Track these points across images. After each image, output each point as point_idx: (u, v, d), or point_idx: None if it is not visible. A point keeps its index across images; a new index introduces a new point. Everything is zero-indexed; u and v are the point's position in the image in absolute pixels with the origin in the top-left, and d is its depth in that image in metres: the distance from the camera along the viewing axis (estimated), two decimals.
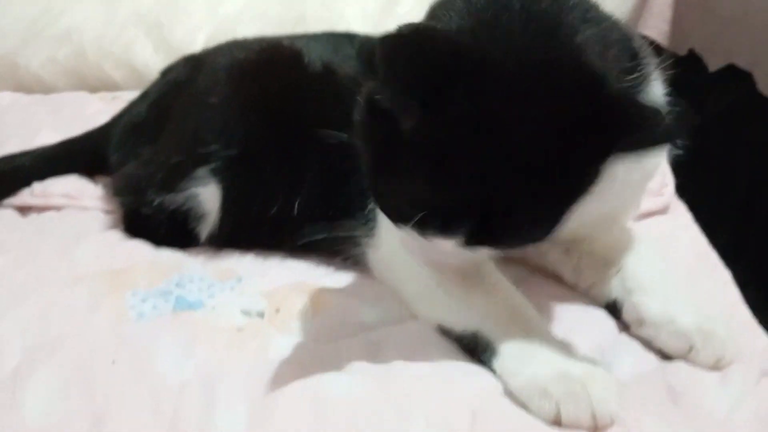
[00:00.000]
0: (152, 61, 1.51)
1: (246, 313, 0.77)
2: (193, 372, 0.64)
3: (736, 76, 1.84)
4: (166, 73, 1.05)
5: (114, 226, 0.97)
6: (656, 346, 0.69)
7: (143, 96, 1.06)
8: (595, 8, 0.64)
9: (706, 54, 1.94)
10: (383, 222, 0.76)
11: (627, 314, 0.73)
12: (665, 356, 0.68)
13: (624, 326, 0.73)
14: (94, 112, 1.34)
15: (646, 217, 0.95)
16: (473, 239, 0.58)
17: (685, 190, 1.09)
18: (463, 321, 0.69)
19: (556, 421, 0.58)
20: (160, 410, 0.59)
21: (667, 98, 0.69)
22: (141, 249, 0.91)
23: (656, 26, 2.11)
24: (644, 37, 0.73)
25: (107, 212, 1.01)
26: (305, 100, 0.90)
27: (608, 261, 0.78)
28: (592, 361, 0.63)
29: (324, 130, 0.72)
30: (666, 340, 0.68)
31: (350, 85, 0.83)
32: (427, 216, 0.57)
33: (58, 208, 1.01)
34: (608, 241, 0.80)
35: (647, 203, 0.95)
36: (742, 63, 1.81)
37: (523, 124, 0.54)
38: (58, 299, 0.76)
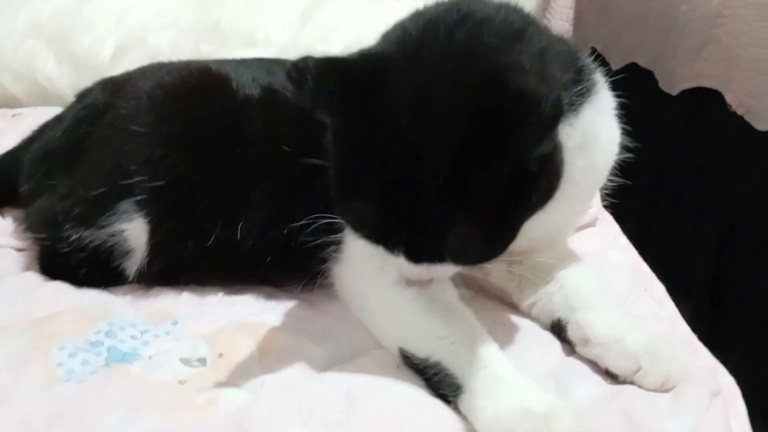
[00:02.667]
0: (56, 75, 1.42)
1: (186, 362, 0.72)
2: None
3: (638, 75, 1.92)
4: (82, 97, 0.98)
5: (29, 267, 0.89)
6: (603, 365, 0.70)
7: (57, 120, 0.98)
8: (531, 29, 0.66)
9: (607, 53, 2.02)
10: (350, 236, 0.75)
11: (572, 333, 0.74)
12: (612, 376, 0.69)
13: (570, 348, 0.74)
14: None
15: (577, 231, 0.97)
16: (415, 257, 0.61)
17: None
18: (426, 348, 0.69)
19: None
20: None
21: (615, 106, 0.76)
22: (63, 292, 0.84)
23: (558, 26, 2.17)
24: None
25: (20, 250, 0.93)
26: (238, 123, 0.86)
27: (549, 278, 0.79)
28: (551, 395, 0.62)
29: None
30: (614, 360, 0.69)
31: (294, 105, 0.82)
32: (368, 231, 0.63)
33: None
34: (550, 256, 0.81)
35: None
36: (642, 62, 1.89)
37: (435, 136, 0.58)
38: None
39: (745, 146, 1.53)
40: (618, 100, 0.78)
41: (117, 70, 1.41)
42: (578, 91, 0.69)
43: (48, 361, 0.70)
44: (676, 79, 1.83)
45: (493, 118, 0.56)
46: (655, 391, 0.66)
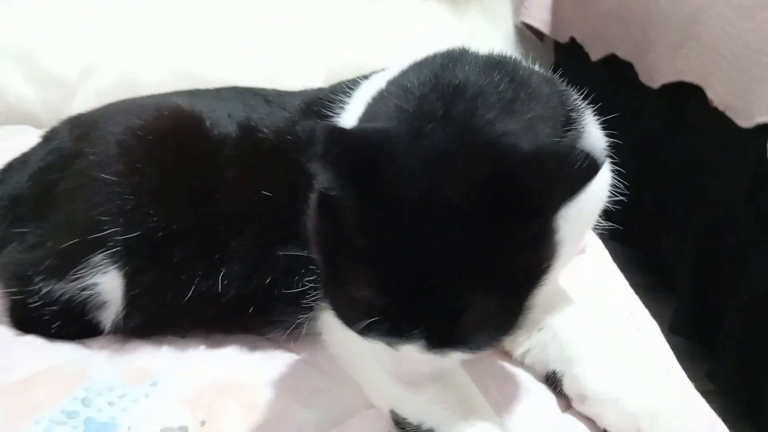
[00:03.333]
0: (25, 93, 1.38)
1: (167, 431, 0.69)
2: None
3: (618, 66, 1.90)
4: (49, 139, 0.92)
5: None
6: (601, 425, 0.69)
7: (22, 164, 0.92)
8: (522, 93, 0.63)
9: (587, 44, 1.99)
10: None
11: (568, 388, 0.72)
12: None
13: (566, 402, 0.72)
14: None
15: None
16: (436, 342, 0.56)
17: None
18: (419, 413, 0.66)
19: None
20: None
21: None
22: (36, 349, 0.80)
23: (537, 15, 2.14)
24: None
25: None
26: (214, 168, 0.82)
27: (543, 324, 0.76)
28: None
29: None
30: (612, 421, 0.68)
31: (278, 141, 0.78)
32: (376, 322, 0.56)
33: None
34: (542, 300, 0.78)
35: None
36: (622, 55, 1.87)
37: (446, 216, 0.54)
38: None
39: (727, 141, 1.53)
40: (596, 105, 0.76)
41: (86, 87, 1.38)
42: (571, 135, 0.67)
43: None
44: (656, 73, 1.81)
45: (509, 181, 0.53)
46: None
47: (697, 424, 0.68)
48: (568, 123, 0.68)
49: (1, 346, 0.80)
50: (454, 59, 0.66)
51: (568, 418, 0.70)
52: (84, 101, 1.36)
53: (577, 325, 0.76)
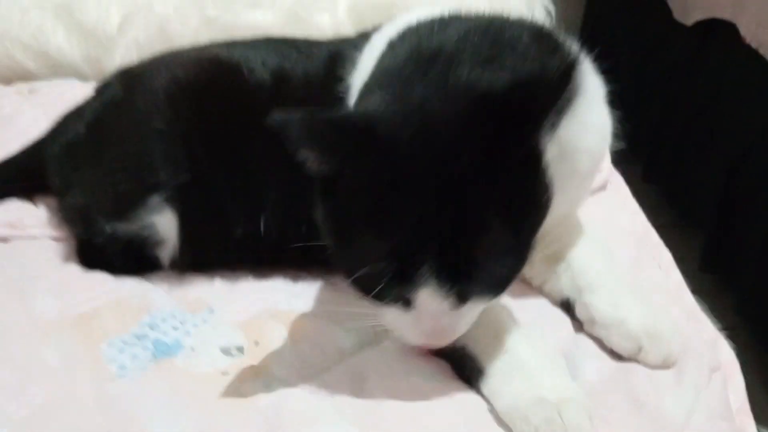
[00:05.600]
0: (66, 46, 1.43)
1: (226, 351, 0.78)
2: None
3: (652, 3, 1.88)
4: (102, 90, 1.00)
5: (68, 258, 0.95)
6: (608, 345, 0.76)
7: (78, 113, 1.00)
8: (506, 52, 0.68)
9: None
10: None
11: (579, 313, 0.79)
12: (617, 355, 0.75)
13: (579, 325, 0.79)
14: (13, 112, 1.27)
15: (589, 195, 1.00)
16: (447, 277, 0.61)
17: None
18: None
19: None
20: None
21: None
22: (102, 283, 0.89)
23: None
24: None
25: (57, 239, 0.98)
26: (252, 114, 0.88)
27: (558, 256, 0.83)
28: (566, 382, 0.68)
29: None
30: (617, 341, 0.74)
31: (307, 89, 0.84)
32: (386, 275, 0.61)
33: (1, 240, 0.98)
34: (558, 234, 0.85)
35: None
36: None
37: (436, 156, 0.60)
38: (28, 359, 0.75)
39: (755, 78, 1.54)
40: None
41: (126, 39, 1.44)
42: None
43: (98, 357, 0.76)
44: (690, 8, 1.81)
45: (493, 111, 0.60)
46: (656, 368, 0.72)
47: (701, 343, 0.75)
48: (562, 78, 0.68)
49: (70, 281, 0.89)
50: (441, 24, 0.72)
51: (581, 338, 0.77)
52: (125, 53, 1.42)
53: (589, 257, 0.82)
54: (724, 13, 1.66)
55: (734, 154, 1.61)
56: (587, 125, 0.75)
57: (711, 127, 1.75)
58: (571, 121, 0.71)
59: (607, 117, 0.82)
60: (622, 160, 1.06)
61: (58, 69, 1.44)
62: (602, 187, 1.04)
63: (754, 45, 1.53)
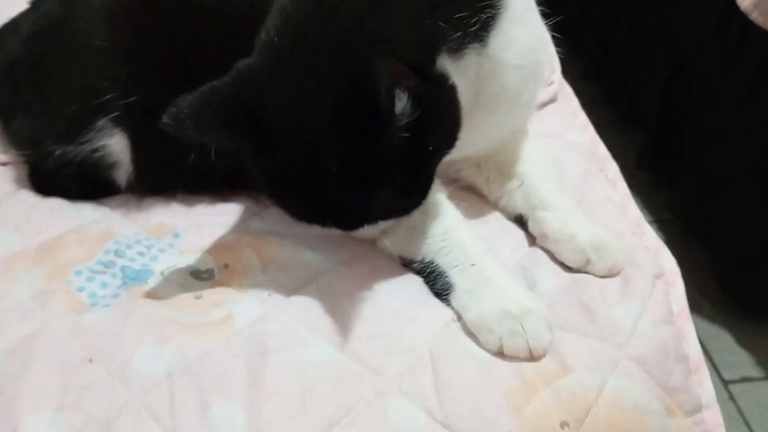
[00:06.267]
0: None
1: (196, 275, 0.80)
2: (172, 362, 0.68)
3: None
4: (36, 5, 0.94)
5: (18, 183, 0.92)
6: (559, 258, 0.81)
7: (13, 29, 0.95)
8: None
9: None
10: None
11: (532, 229, 0.84)
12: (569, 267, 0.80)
13: (533, 239, 0.84)
14: None
15: (538, 109, 1.03)
16: (347, 227, 0.74)
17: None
18: (422, 251, 0.77)
19: (500, 353, 0.70)
20: (159, 414, 0.64)
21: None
22: (59, 210, 0.88)
23: None
24: None
25: (3, 164, 0.95)
26: (196, 30, 0.86)
27: (511, 173, 0.87)
28: (527, 294, 0.73)
29: None
30: (567, 255, 0.80)
31: (248, 6, 0.82)
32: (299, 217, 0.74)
33: None
34: (510, 151, 0.88)
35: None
36: None
37: (316, 140, 0.66)
38: None
39: None
40: None
41: None
42: (482, 19, 0.71)
43: (68, 288, 0.77)
44: None
45: (352, 98, 0.64)
46: (604, 277, 0.78)
47: (645, 252, 0.81)
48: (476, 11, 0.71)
49: (25, 210, 0.88)
50: None
51: (535, 252, 0.83)
52: None
53: (540, 175, 0.86)
54: None
55: (676, 52, 1.66)
56: (514, 41, 0.76)
57: (654, 26, 1.78)
58: (497, 38, 0.73)
59: (540, 31, 0.83)
60: (562, 59, 1.09)
61: None
62: (552, 100, 1.06)
63: None
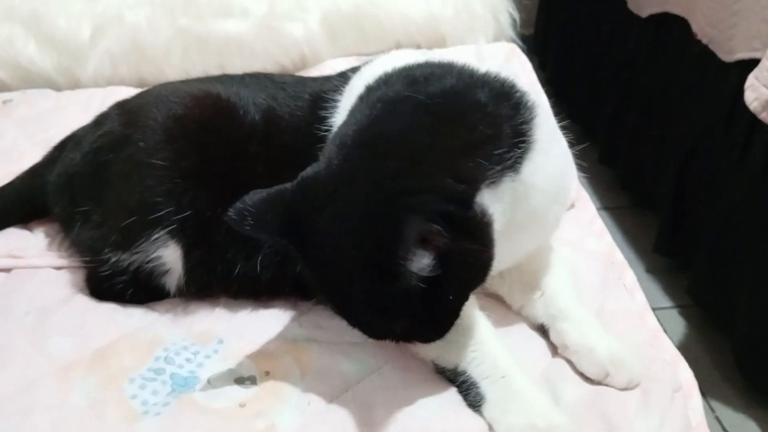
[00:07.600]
0: (38, 57, 1.45)
1: (240, 382, 0.85)
2: None
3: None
4: (100, 122, 1.03)
5: (73, 289, 0.99)
6: (579, 370, 0.85)
7: (75, 144, 1.04)
8: (453, 120, 0.78)
9: None
10: None
11: (554, 339, 0.89)
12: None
13: (554, 348, 0.89)
14: None
15: None
16: (373, 336, 0.80)
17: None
18: (454, 360, 0.82)
19: None
20: None
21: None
22: (111, 316, 0.94)
23: None
24: None
25: (58, 268, 1.02)
26: (247, 155, 0.94)
27: (533, 284, 0.93)
28: (553, 408, 0.78)
29: None
30: (587, 367, 0.84)
31: (294, 131, 0.91)
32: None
33: (3, 271, 1.01)
34: (532, 264, 0.94)
35: None
36: None
37: (350, 266, 0.73)
38: (57, 405, 0.80)
39: (708, 72, 1.63)
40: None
41: (98, 49, 1.45)
42: (517, 153, 0.79)
43: (122, 397, 0.82)
44: (644, 2, 1.89)
45: (379, 243, 0.70)
46: (623, 390, 0.82)
47: (663, 365, 0.85)
48: (517, 135, 0.80)
49: (79, 316, 0.94)
50: (395, 101, 0.79)
51: (558, 362, 0.87)
52: (98, 63, 1.45)
53: (560, 285, 0.92)
54: (676, 9, 1.75)
55: (687, 142, 1.72)
56: (541, 168, 0.83)
57: (665, 116, 1.84)
58: (527, 165, 0.80)
59: (564, 158, 0.90)
60: (578, 141, 1.14)
61: (31, 79, 1.45)
62: (571, 206, 1.12)
63: (704, 41, 1.62)
